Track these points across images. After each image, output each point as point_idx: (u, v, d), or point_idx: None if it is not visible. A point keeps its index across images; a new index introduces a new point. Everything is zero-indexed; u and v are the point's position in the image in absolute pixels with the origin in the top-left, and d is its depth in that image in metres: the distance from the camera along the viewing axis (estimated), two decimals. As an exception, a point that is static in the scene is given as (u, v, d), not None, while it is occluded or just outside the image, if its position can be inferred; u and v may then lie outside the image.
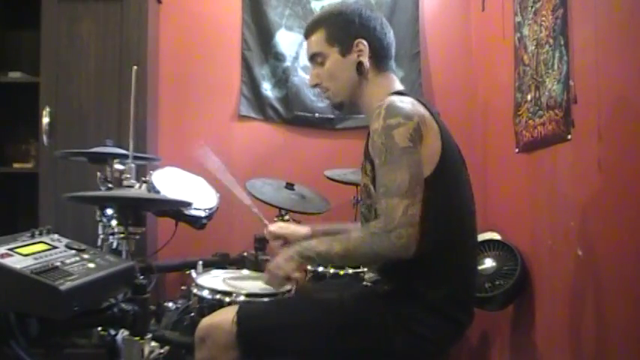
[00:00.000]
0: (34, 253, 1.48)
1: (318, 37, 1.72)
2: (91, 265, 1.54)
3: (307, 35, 1.76)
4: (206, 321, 1.64)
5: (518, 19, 2.67)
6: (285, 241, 1.86)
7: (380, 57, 1.70)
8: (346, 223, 2.00)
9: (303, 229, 1.88)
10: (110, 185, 2.25)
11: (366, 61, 1.67)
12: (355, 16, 1.69)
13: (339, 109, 1.82)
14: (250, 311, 1.64)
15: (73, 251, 1.59)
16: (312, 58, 1.75)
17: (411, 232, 1.45)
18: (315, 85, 1.76)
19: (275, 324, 1.60)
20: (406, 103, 1.54)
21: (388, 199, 1.48)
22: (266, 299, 1.97)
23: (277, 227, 1.90)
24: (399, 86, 1.72)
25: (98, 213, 2.26)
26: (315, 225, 1.93)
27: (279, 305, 1.78)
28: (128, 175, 2.14)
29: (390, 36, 1.74)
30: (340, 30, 1.69)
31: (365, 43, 1.67)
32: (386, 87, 1.68)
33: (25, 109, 3.28)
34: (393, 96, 1.58)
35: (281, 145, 3.49)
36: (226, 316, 1.60)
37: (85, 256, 1.59)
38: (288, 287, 1.90)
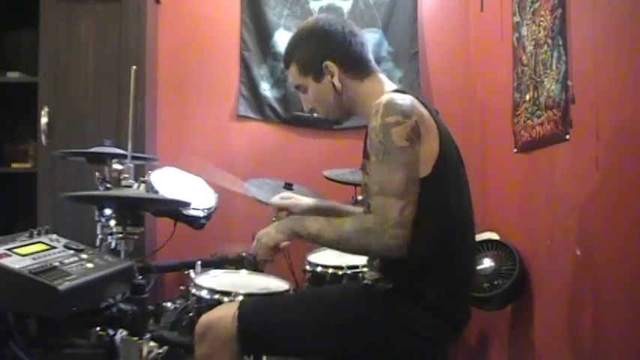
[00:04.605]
0: (32, 253, 1.49)
1: (293, 70, 1.75)
2: (90, 265, 1.54)
3: (285, 67, 1.80)
4: (207, 316, 1.64)
5: (517, 19, 2.68)
6: (289, 212, 1.87)
7: (355, 66, 1.69)
8: (349, 206, 2.01)
9: (306, 200, 1.90)
10: (109, 185, 2.25)
11: (337, 80, 1.67)
12: (315, 39, 1.69)
13: (339, 124, 1.85)
14: (252, 307, 1.64)
15: (72, 251, 1.59)
16: (297, 88, 1.80)
17: (405, 233, 1.46)
18: (311, 110, 1.80)
19: (276, 321, 1.60)
20: (405, 100, 1.53)
21: (384, 197, 1.47)
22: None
23: (280, 198, 1.90)
24: (391, 85, 1.71)
25: (97, 213, 2.26)
26: (320, 199, 1.94)
27: (281, 302, 1.78)
28: (127, 175, 2.14)
29: (358, 40, 1.71)
30: (308, 59, 1.70)
31: (332, 64, 1.67)
32: (378, 89, 1.67)
33: (23, 109, 3.27)
34: (393, 93, 1.57)
35: (279, 145, 3.49)
36: (227, 311, 1.60)
37: (84, 256, 1.59)
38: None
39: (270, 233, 1.62)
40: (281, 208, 1.89)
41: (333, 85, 1.68)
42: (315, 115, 1.80)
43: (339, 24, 1.71)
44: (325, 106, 1.75)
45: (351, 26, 1.73)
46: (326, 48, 1.68)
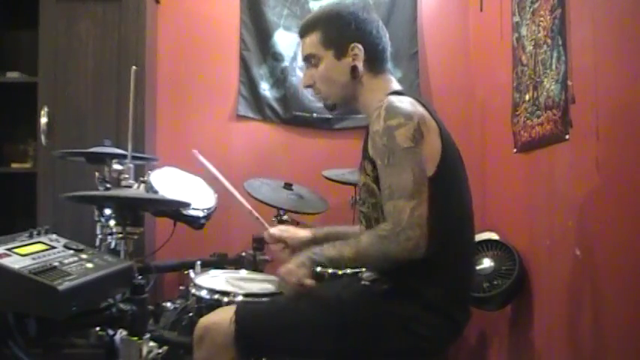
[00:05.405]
0: (32, 253, 1.49)
1: (314, 38, 1.71)
2: (89, 265, 1.54)
3: (302, 35, 1.75)
4: (204, 320, 1.64)
5: (516, 19, 2.68)
6: (285, 244, 1.85)
7: (376, 60, 1.70)
8: (345, 226, 1.99)
9: (303, 232, 1.87)
10: (108, 185, 2.25)
11: (360, 65, 1.67)
12: (352, 19, 1.68)
13: (332, 110, 1.81)
14: (249, 310, 1.64)
15: (72, 251, 1.59)
16: (307, 58, 1.75)
17: (419, 233, 1.46)
18: (308, 86, 1.76)
19: (274, 324, 1.60)
20: (405, 103, 1.54)
21: (394, 201, 1.48)
22: (264, 299, 1.97)
23: (277, 230, 1.89)
24: (396, 86, 1.71)
25: (96, 213, 2.26)
26: (316, 228, 1.93)
27: (278, 305, 1.77)
28: (126, 175, 2.14)
29: (386, 39, 1.73)
30: (336, 33, 1.68)
31: (360, 47, 1.67)
32: (383, 88, 1.68)
33: (23, 109, 3.27)
34: (392, 96, 1.58)
35: (279, 145, 3.49)
36: (225, 315, 1.60)
37: (84, 256, 1.60)
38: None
39: (293, 271, 1.58)
40: (279, 240, 1.86)
41: (353, 68, 1.67)
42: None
43: (376, 16, 1.73)
44: (330, 87, 1.72)
45: (382, 25, 1.74)
46: (359, 31, 1.68)
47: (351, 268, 1.59)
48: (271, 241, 1.88)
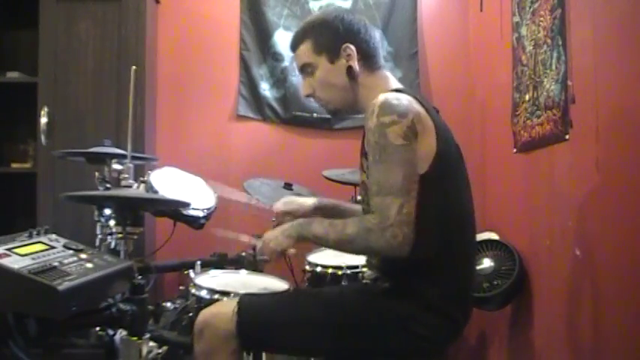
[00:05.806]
0: (32, 253, 1.48)
1: (305, 47, 1.72)
2: (89, 265, 1.54)
3: (294, 48, 1.77)
4: (206, 312, 1.63)
5: (516, 19, 2.68)
6: (293, 217, 1.84)
7: (369, 57, 1.71)
8: (349, 203, 2.01)
9: (309, 201, 1.88)
10: (108, 185, 2.25)
11: (355, 64, 1.68)
12: (338, 22, 1.70)
13: (336, 115, 1.83)
14: (251, 304, 1.64)
15: (71, 251, 1.59)
16: (302, 69, 1.76)
17: (406, 231, 1.45)
18: (309, 95, 1.77)
19: (275, 319, 1.60)
20: (401, 100, 1.54)
21: (382, 197, 1.48)
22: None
23: (282, 204, 1.89)
24: (395, 83, 1.72)
25: (96, 213, 2.26)
26: (320, 198, 1.93)
27: (280, 300, 1.78)
28: (126, 175, 2.14)
29: (375, 36, 1.75)
30: (326, 38, 1.70)
31: (352, 47, 1.68)
32: (381, 86, 1.68)
33: (23, 109, 3.28)
34: (388, 93, 1.58)
35: (279, 145, 3.49)
36: (227, 307, 1.60)
37: (83, 256, 1.59)
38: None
39: (277, 237, 1.61)
40: (285, 214, 1.87)
41: (349, 68, 1.68)
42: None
43: (361, 17, 1.76)
44: (329, 91, 1.73)
45: (369, 24, 1.76)
46: (347, 32, 1.69)
47: (334, 249, 1.60)
48: (278, 217, 1.87)
